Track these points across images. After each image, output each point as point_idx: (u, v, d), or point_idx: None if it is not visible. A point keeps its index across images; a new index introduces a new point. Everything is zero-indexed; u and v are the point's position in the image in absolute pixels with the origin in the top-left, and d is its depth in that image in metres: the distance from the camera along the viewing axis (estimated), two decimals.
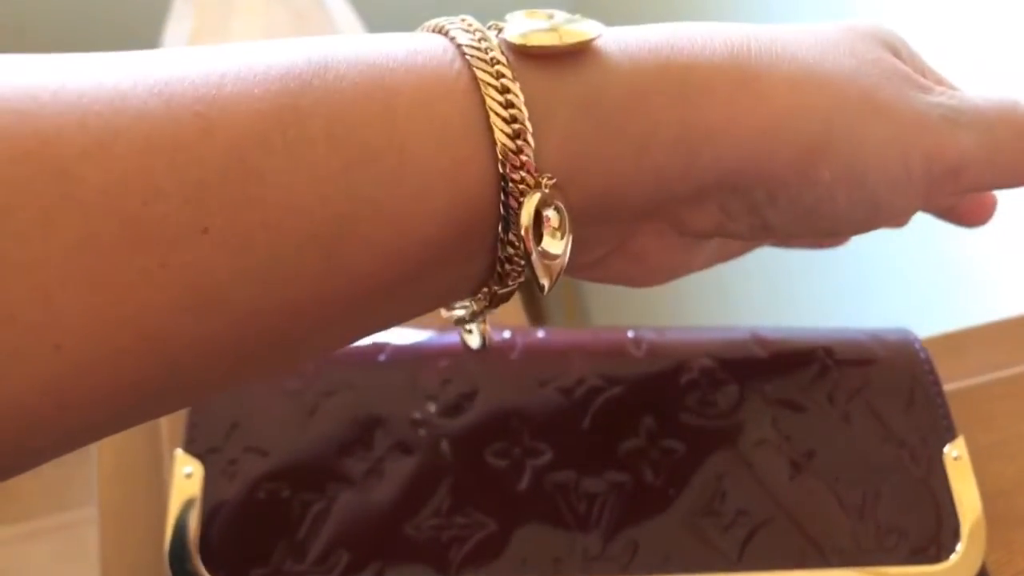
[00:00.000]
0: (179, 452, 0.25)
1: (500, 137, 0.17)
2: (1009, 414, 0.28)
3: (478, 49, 0.18)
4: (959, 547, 0.24)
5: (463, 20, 0.19)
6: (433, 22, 0.19)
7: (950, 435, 0.26)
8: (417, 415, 0.26)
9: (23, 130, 0.14)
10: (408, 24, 0.20)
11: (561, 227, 0.18)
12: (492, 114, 0.17)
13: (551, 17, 0.19)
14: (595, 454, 0.25)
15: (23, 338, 0.14)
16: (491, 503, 0.24)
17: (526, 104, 0.17)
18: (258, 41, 0.17)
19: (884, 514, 0.25)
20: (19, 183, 0.14)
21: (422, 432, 0.25)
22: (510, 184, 0.17)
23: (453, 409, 0.26)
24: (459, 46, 0.18)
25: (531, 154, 0.17)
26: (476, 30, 0.18)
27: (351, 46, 0.17)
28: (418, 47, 0.18)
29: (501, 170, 0.17)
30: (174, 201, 0.15)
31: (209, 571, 0.23)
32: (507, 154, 0.17)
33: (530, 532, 0.24)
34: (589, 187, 0.18)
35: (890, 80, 0.21)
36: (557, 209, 0.18)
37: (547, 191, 0.17)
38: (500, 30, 0.19)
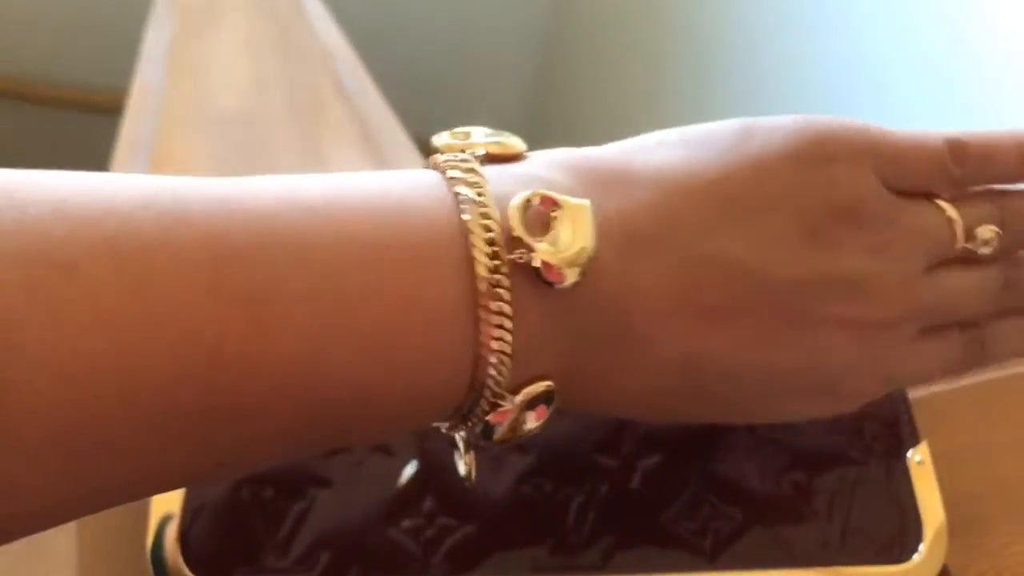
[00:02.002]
0: None
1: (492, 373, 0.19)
2: (971, 422, 0.29)
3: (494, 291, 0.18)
4: (921, 548, 0.25)
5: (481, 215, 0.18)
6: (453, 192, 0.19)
7: (914, 440, 0.27)
8: None
9: None
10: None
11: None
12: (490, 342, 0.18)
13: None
14: (574, 461, 0.26)
15: None
16: (471, 505, 0.25)
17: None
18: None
19: (850, 516, 0.25)
20: None
21: (403, 436, 0.26)
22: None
23: None
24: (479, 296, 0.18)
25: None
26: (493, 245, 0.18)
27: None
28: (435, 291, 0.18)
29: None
30: None
31: (191, 571, 0.23)
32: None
33: (509, 534, 0.24)
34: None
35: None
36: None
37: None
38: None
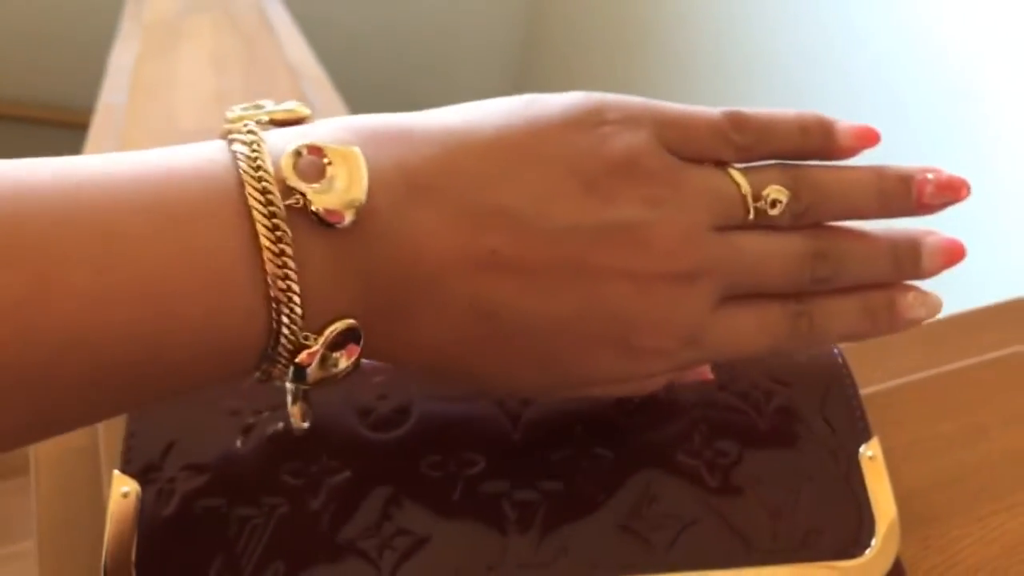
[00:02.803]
0: (116, 473, 0.25)
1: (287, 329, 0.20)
2: (921, 416, 0.30)
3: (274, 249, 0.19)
4: (874, 542, 0.25)
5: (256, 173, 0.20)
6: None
7: (866, 436, 0.27)
8: (353, 430, 0.26)
9: None
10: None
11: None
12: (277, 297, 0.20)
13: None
14: (527, 463, 0.26)
15: None
16: (425, 512, 0.25)
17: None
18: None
19: (803, 512, 0.26)
20: None
21: (358, 446, 0.26)
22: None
23: (388, 423, 0.26)
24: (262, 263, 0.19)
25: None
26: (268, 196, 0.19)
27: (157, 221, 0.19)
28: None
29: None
30: None
31: None
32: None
33: (463, 539, 0.24)
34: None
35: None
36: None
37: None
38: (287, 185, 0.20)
